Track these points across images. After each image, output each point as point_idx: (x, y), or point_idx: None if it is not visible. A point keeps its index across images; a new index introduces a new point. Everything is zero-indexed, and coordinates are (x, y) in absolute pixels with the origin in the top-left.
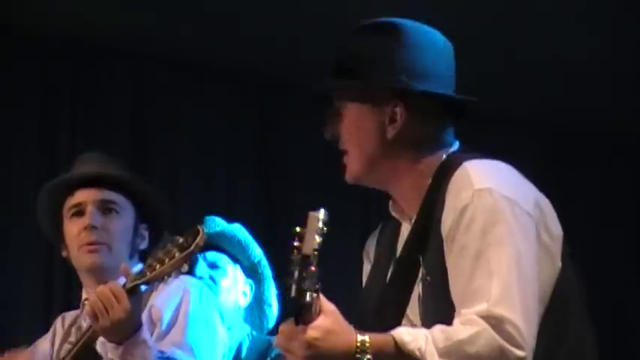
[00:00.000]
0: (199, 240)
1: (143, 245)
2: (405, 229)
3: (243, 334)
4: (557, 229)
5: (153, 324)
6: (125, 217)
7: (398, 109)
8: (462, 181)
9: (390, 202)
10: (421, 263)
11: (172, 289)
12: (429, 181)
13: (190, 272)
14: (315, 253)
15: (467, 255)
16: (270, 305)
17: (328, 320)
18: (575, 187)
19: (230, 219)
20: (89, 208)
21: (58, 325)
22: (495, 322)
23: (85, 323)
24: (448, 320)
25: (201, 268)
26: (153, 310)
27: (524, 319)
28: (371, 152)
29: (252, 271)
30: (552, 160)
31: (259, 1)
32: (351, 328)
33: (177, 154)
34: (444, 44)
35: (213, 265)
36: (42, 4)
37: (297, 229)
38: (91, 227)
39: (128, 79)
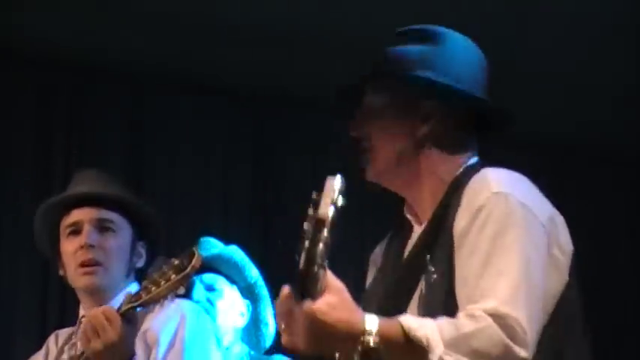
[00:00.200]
0: (195, 262)
1: (140, 264)
2: (416, 234)
3: (242, 354)
4: (568, 246)
5: (148, 348)
6: (122, 235)
7: (432, 108)
8: (481, 184)
9: (405, 206)
10: (428, 261)
11: (169, 313)
12: (447, 187)
13: (188, 295)
14: (330, 218)
15: (477, 255)
16: (267, 324)
17: (335, 297)
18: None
19: (225, 239)
20: (86, 227)
21: (51, 343)
22: (502, 320)
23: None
24: (450, 317)
25: (199, 290)
26: (148, 334)
27: (529, 322)
28: (400, 149)
29: (248, 292)
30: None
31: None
32: (358, 308)
33: (172, 173)
34: (481, 57)
35: (210, 288)
36: (36, 25)
37: (315, 194)
38: (87, 246)
39: (122, 98)
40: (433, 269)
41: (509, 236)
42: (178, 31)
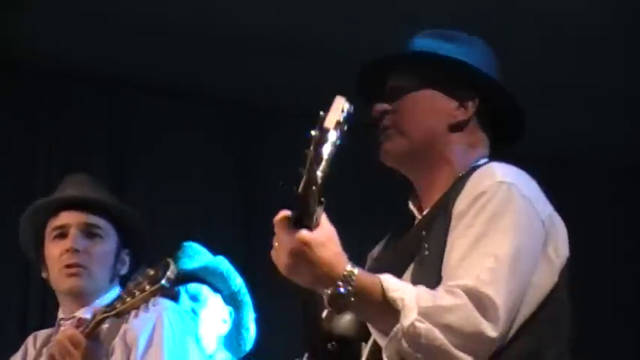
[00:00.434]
0: (170, 273)
1: (123, 271)
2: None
3: None
4: (564, 250)
5: (127, 348)
6: (108, 241)
7: (471, 98)
8: (485, 172)
9: (411, 197)
10: (423, 238)
11: (148, 314)
12: (455, 180)
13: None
14: (334, 130)
15: (469, 234)
16: (247, 329)
17: (325, 235)
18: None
19: (207, 244)
20: (73, 231)
21: (30, 345)
22: (478, 299)
23: None
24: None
25: (184, 301)
26: (128, 334)
27: (505, 305)
28: (432, 129)
29: (232, 299)
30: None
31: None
32: (343, 254)
33: (155, 181)
34: (498, 66)
35: (194, 298)
36: (19, 32)
37: (322, 113)
38: (73, 250)
39: (105, 104)
40: (427, 246)
41: (505, 221)
42: (162, 40)
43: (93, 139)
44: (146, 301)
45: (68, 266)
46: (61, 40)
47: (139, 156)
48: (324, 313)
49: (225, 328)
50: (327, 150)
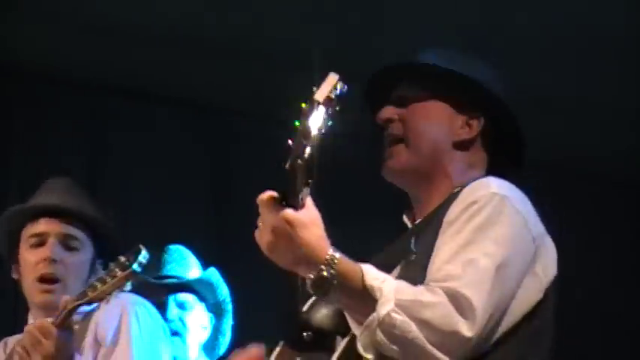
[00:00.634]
0: (142, 258)
1: None
2: None
3: None
4: (552, 269)
5: (97, 344)
6: (84, 253)
7: (477, 117)
8: (480, 183)
9: (405, 212)
10: (412, 244)
11: (112, 308)
12: (449, 195)
13: (162, 314)
14: (324, 105)
15: (457, 239)
16: (224, 335)
17: (310, 217)
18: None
19: (182, 242)
20: (51, 240)
21: (0, 351)
22: (456, 299)
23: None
24: None
25: (172, 309)
26: (98, 330)
27: (484, 309)
28: (437, 144)
29: (216, 308)
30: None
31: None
32: (326, 238)
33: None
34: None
35: (181, 306)
36: None
37: (314, 88)
38: (50, 260)
39: (79, 106)
40: (415, 250)
41: (495, 231)
42: (136, 42)
43: (67, 140)
44: (117, 287)
45: (43, 280)
46: (37, 42)
47: (110, 157)
48: (306, 305)
49: (205, 334)
50: (315, 123)
